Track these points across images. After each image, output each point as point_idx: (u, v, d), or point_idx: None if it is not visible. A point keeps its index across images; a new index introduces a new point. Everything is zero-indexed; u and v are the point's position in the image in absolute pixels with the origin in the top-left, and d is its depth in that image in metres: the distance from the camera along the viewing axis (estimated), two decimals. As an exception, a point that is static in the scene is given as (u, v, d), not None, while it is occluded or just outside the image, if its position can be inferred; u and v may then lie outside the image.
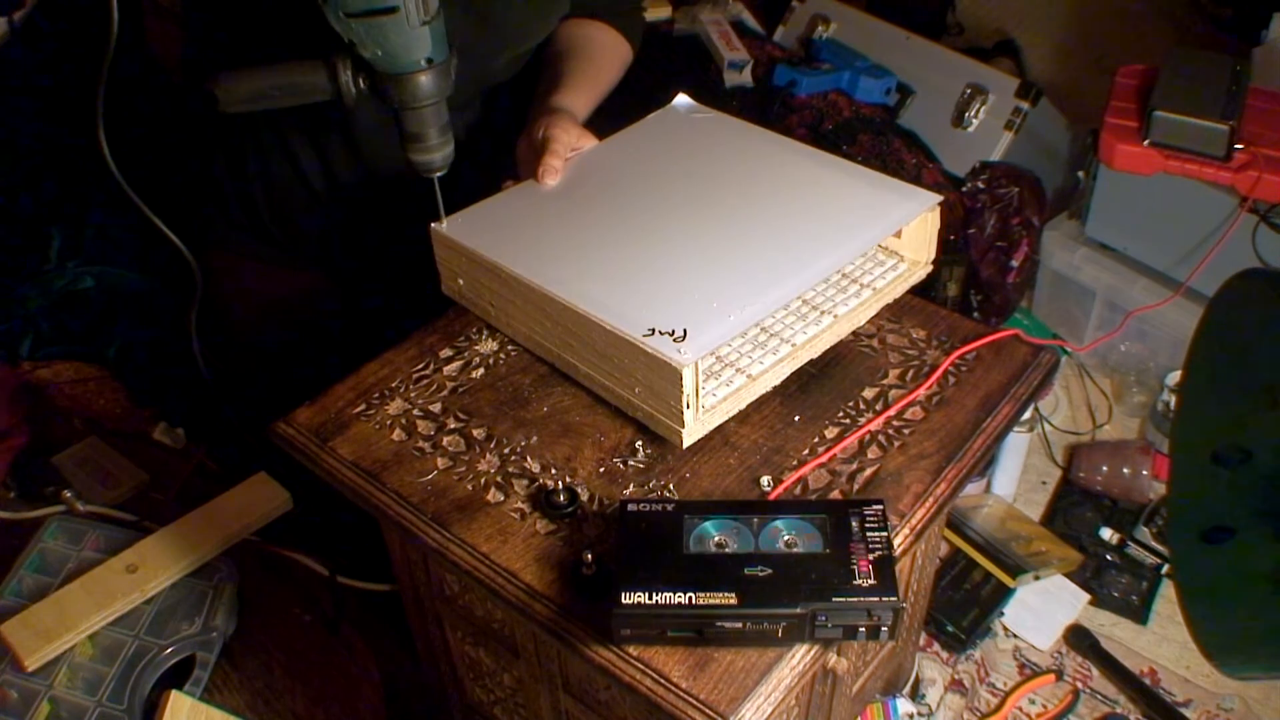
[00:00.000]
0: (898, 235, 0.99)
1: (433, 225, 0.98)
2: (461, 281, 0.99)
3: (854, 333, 0.97)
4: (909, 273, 0.99)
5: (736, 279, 0.88)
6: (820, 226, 0.94)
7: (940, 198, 0.97)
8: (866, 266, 0.98)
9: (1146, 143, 1.55)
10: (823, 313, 0.93)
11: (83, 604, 1.06)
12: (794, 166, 1.03)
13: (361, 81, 0.89)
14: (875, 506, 0.75)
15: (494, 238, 0.95)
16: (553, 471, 0.86)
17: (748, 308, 0.84)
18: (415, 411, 0.92)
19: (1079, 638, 1.40)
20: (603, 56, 1.24)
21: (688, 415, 0.82)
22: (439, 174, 0.95)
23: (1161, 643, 1.41)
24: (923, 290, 1.03)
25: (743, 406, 0.87)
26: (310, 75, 0.88)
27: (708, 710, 0.69)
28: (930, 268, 1.00)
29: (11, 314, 1.64)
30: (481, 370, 0.96)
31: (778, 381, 0.89)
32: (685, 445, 0.84)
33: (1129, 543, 1.51)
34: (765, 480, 0.84)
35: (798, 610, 0.69)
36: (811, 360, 0.92)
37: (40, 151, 1.79)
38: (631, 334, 0.82)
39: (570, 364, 0.91)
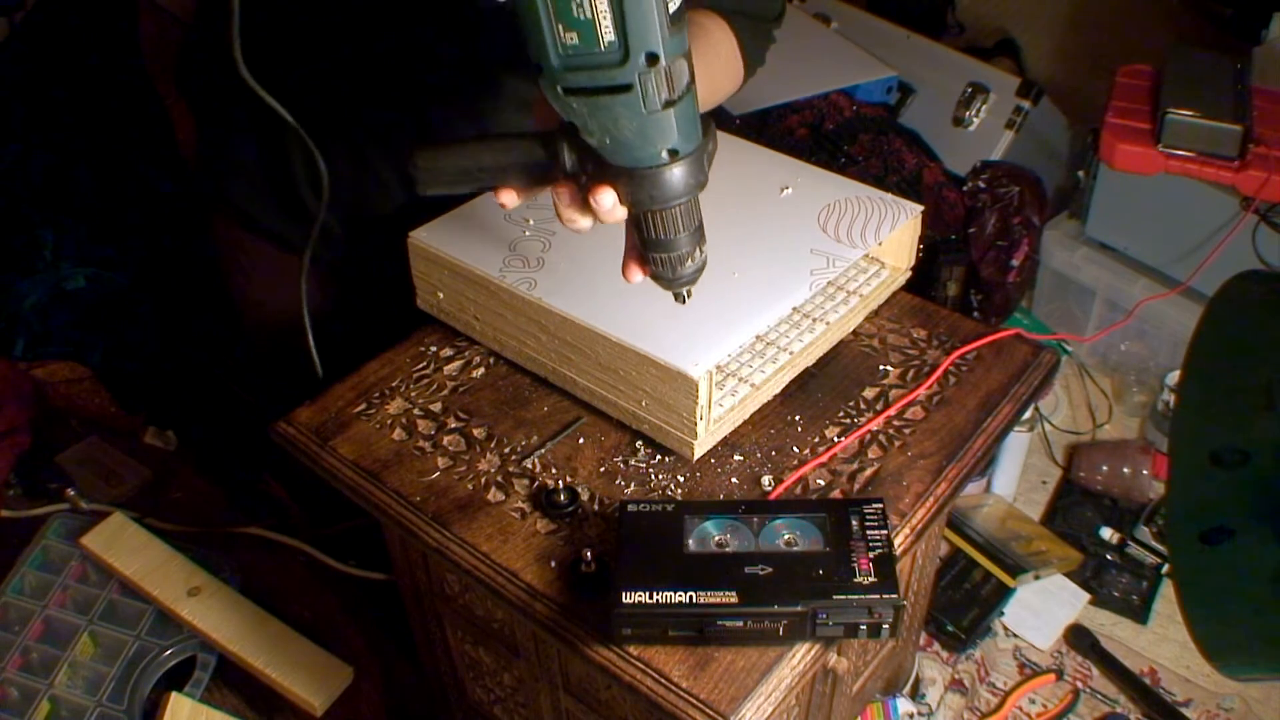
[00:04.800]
0: (879, 244, 0.99)
1: (411, 235, 0.94)
2: (441, 295, 0.96)
3: (854, 332, 0.97)
4: (891, 279, 1.00)
5: (734, 290, 0.87)
6: (811, 240, 0.94)
7: (921, 208, 0.98)
8: (851, 274, 0.99)
9: (1160, 145, 1.56)
10: (815, 320, 0.93)
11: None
12: (782, 179, 1.03)
13: (590, 167, 0.70)
14: (875, 505, 0.75)
15: (480, 248, 0.93)
16: (553, 471, 0.86)
17: (750, 318, 0.84)
18: (416, 411, 0.92)
19: (1079, 637, 1.40)
20: (717, 67, 0.95)
21: (700, 426, 0.82)
22: (687, 288, 0.75)
23: (1161, 643, 1.41)
24: (923, 289, 1.03)
25: (747, 415, 0.88)
26: (528, 156, 0.72)
27: (708, 710, 0.69)
28: (910, 274, 1.02)
29: (7, 313, 1.64)
30: (482, 370, 0.96)
31: (779, 389, 0.90)
32: (696, 457, 0.85)
33: (1129, 542, 1.51)
34: (766, 480, 0.84)
35: (799, 608, 0.69)
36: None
37: (37, 149, 1.79)
38: (641, 345, 0.81)
39: (568, 378, 0.90)
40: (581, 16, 0.60)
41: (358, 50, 1.00)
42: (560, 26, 0.61)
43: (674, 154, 0.67)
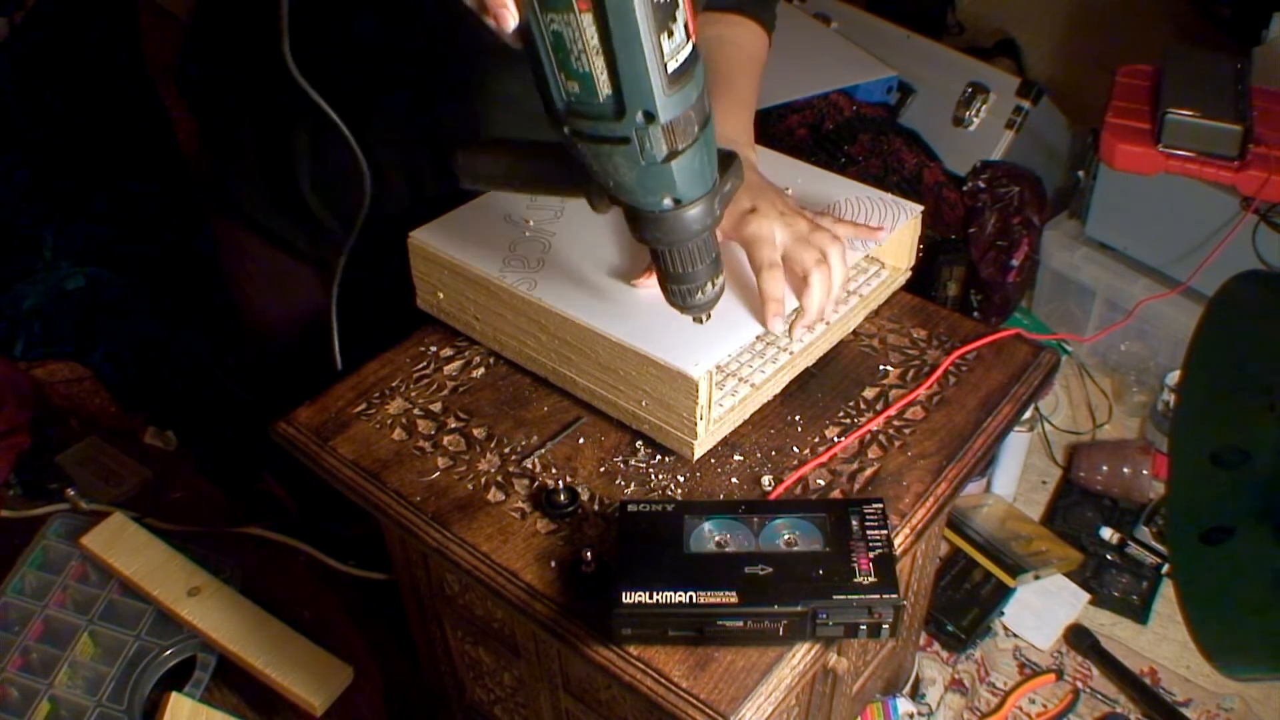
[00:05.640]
0: (880, 244, 0.99)
1: (411, 235, 0.94)
2: (441, 295, 0.96)
3: (854, 332, 0.97)
4: (891, 279, 1.00)
5: (734, 289, 0.87)
6: None
7: (921, 208, 0.98)
8: (851, 274, 0.99)
9: (1160, 145, 1.56)
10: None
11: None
12: (782, 179, 1.03)
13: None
14: (875, 505, 0.75)
15: (480, 248, 0.92)
16: (553, 471, 0.86)
17: (750, 319, 0.85)
18: (416, 411, 0.92)
19: (1079, 637, 1.40)
20: (751, 64, 1.03)
21: (700, 426, 0.82)
22: (706, 312, 0.77)
23: (1161, 642, 1.41)
24: (923, 290, 1.03)
25: (747, 415, 0.88)
26: (562, 169, 0.71)
27: (708, 710, 0.69)
28: (910, 274, 1.01)
29: (7, 313, 1.64)
30: (482, 370, 0.96)
31: (779, 389, 0.90)
32: (696, 457, 0.84)
33: (1129, 542, 1.51)
34: (766, 480, 0.84)
35: (799, 608, 0.69)
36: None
37: (37, 149, 1.79)
38: (641, 346, 0.81)
39: (568, 378, 0.90)
40: (580, 69, 0.60)
41: (371, 48, 1.00)
42: (562, 75, 0.62)
43: (678, 202, 0.67)
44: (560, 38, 0.59)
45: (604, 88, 0.61)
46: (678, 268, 0.72)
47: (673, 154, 0.63)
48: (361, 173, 0.93)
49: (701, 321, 0.77)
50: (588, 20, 0.58)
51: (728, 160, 0.71)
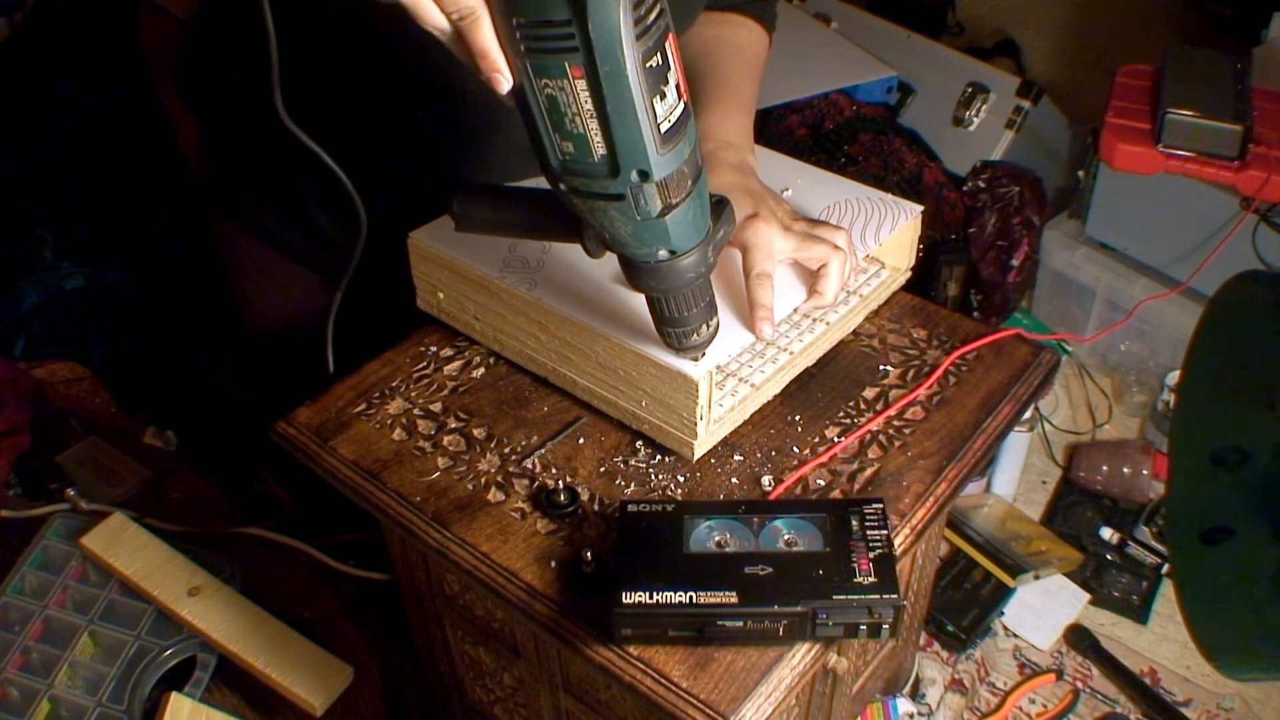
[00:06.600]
0: (880, 244, 0.99)
1: (411, 236, 0.94)
2: (442, 295, 0.96)
3: (854, 332, 0.97)
4: (891, 279, 1.00)
5: (734, 291, 0.87)
6: None
7: (921, 209, 0.98)
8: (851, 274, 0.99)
9: (1160, 145, 1.56)
10: (815, 320, 0.93)
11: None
12: (782, 180, 1.03)
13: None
14: (875, 505, 0.75)
15: (480, 248, 0.92)
16: (553, 471, 0.86)
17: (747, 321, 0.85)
18: (416, 411, 0.92)
19: (1079, 637, 1.40)
20: (751, 65, 1.04)
21: (700, 426, 0.82)
22: (701, 352, 0.79)
23: (1161, 643, 1.41)
24: (923, 289, 1.03)
25: (748, 415, 0.88)
26: (558, 216, 0.73)
27: (708, 710, 0.69)
28: (909, 274, 1.01)
29: (7, 313, 1.64)
30: (482, 370, 0.96)
31: (779, 390, 0.90)
32: (696, 457, 0.85)
33: (1129, 542, 1.51)
34: (766, 480, 0.84)
35: (799, 608, 0.69)
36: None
37: (37, 149, 1.79)
38: (641, 346, 0.81)
39: (568, 378, 0.90)
40: (575, 130, 0.62)
41: (375, 100, 1.00)
42: (557, 136, 0.63)
43: (673, 253, 0.69)
44: (555, 101, 0.61)
45: (598, 148, 0.62)
46: (672, 312, 0.74)
47: (667, 209, 0.65)
48: (361, 222, 0.93)
49: (697, 360, 0.79)
50: (581, 86, 0.60)
51: (719, 207, 0.72)
